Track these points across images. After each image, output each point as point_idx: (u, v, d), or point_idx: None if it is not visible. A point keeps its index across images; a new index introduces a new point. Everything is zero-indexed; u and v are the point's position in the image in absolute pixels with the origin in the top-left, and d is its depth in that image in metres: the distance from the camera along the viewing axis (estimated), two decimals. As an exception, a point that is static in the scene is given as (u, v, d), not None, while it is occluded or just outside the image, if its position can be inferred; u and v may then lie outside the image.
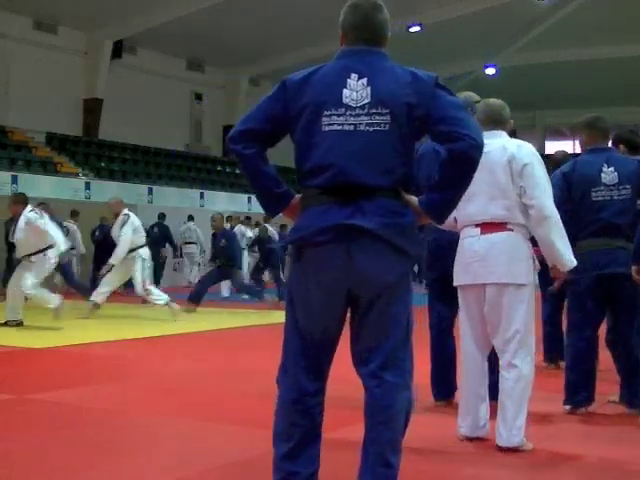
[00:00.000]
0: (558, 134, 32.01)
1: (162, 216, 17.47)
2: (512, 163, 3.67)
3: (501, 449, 3.67)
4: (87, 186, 18.41)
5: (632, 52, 25.05)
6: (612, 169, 4.43)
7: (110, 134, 21.82)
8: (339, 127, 2.65)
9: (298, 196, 2.78)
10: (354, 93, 2.67)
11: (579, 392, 4.46)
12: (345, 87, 2.67)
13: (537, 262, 3.79)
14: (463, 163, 2.64)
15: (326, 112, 2.67)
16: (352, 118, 2.65)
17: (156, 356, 7.25)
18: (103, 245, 15.94)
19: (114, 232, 10.60)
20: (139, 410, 4.78)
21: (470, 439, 3.86)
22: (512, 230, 3.68)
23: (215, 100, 25.92)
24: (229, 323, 10.14)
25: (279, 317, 11.00)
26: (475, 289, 3.76)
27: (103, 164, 20.64)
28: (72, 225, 15.74)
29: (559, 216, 3.70)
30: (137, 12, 20.64)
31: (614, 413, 4.57)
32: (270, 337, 9.13)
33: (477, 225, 3.73)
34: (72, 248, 15.08)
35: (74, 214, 15.93)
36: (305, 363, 2.76)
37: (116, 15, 20.62)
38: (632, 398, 4.45)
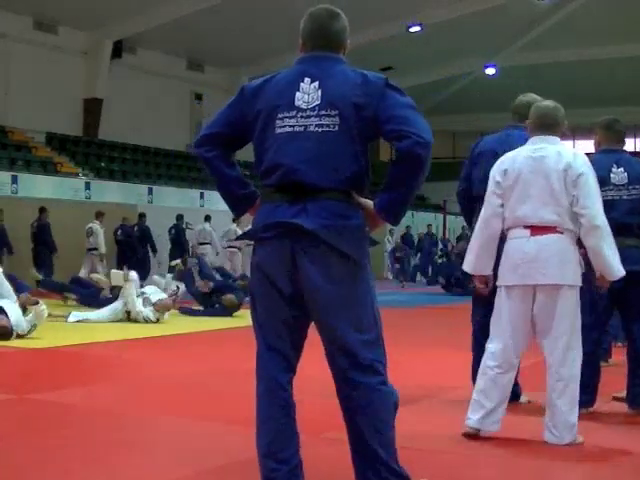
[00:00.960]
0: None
1: (142, 216, 17.62)
2: (568, 171, 3.73)
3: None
4: (87, 186, 18.41)
5: (632, 52, 25.05)
6: (622, 169, 4.51)
7: (110, 134, 21.82)
8: (290, 129, 2.74)
9: None
10: (306, 96, 2.74)
11: (582, 393, 4.42)
12: (298, 90, 2.76)
13: (583, 264, 3.90)
14: (410, 161, 2.65)
15: (279, 115, 2.76)
16: (302, 120, 2.73)
17: (156, 356, 7.25)
18: (124, 245, 16.23)
19: None
20: (139, 410, 4.77)
21: (477, 432, 3.89)
22: (562, 233, 3.77)
23: (215, 100, 25.85)
24: (229, 323, 10.13)
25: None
26: (523, 290, 3.82)
27: (103, 164, 20.64)
28: (96, 226, 15.95)
29: (609, 227, 3.80)
30: (137, 12, 20.64)
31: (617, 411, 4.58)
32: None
33: (527, 227, 3.79)
34: (94, 249, 15.83)
35: (99, 215, 16.10)
36: (273, 355, 2.83)
37: (116, 15, 20.62)
38: (635, 398, 4.49)
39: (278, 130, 2.75)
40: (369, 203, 2.76)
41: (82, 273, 14.70)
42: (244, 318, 10.87)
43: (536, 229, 3.78)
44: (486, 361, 3.93)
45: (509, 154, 3.91)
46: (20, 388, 5.40)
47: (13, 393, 5.18)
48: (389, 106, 2.68)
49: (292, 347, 2.86)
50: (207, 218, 18.47)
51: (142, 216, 17.43)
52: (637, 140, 32.45)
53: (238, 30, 22.37)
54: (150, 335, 8.59)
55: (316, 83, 2.75)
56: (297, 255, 2.69)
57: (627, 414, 4.59)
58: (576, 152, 3.88)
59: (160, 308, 9.77)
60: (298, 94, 2.75)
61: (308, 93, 2.75)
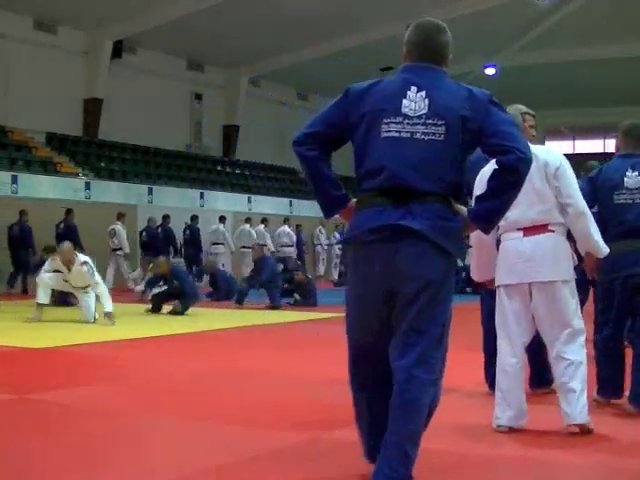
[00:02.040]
0: (558, 134, 32.02)
1: (166, 217, 17.87)
2: (546, 168, 3.95)
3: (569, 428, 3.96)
4: (87, 186, 18.40)
5: (632, 52, 25.03)
6: (636, 173, 4.57)
7: (110, 134, 21.80)
8: (396, 134, 2.86)
9: (354, 200, 3.00)
10: (412, 104, 2.88)
11: (608, 385, 4.68)
12: (404, 98, 2.89)
13: (575, 257, 4.13)
14: (512, 174, 2.86)
15: (385, 120, 2.88)
16: (409, 126, 2.86)
17: (156, 356, 7.25)
18: (149, 246, 16.69)
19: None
20: (139, 410, 4.78)
21: (510, 429, 4.04)
22: (553, 231, 3.99)
23: (215, 100, 25.91)
24: (229, 323, 10.14)
25: (278, 317, 11.03)
26: (521, 288, 4.02)
27: (103, 164, 20.63)
28: (118, 227, 16.68)
29: (622, 230, 4.21)
30: (137, 12, 20.62)
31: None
32: (270, 337, 9.18)
33: (519, 229, 4.00)
34: (119, 249, 16.62)
35: (120, 216, 16.78)
36: (367, 350, 2.97)
37: (116, 15, 20.60)
38: (636, 397, 4.53)
39: (383, 134, 2.87)
40: (463, 210, 2.95)
41: (109, 273, 15.90)
42: (244, 318, 10.89)
43: (528, 230, 3.97)
44: (503, 359, 4.07)
45: (486, 167, 4.00)
46: (20, 388, 5.40)
47: (13, 393, 5.19)
48: (494, 122, 2.88)
49: (383, 340, 2.95)
50: (222, 219, 19.09)
51: (166, 217, 17.75)
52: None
53: (238, 30, 22.36)
54: (150, 335, 8.60)
55: (423, 92, 2.89)
56: (400, 254, 2.83)
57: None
58: (549, 148, 4.12)
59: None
60: (405, 101, 2.88)
61: (415, 101, 2.88)
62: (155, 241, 16.96)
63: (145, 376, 6.18)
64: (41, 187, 17.24)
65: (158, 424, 4.42)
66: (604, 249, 4.12)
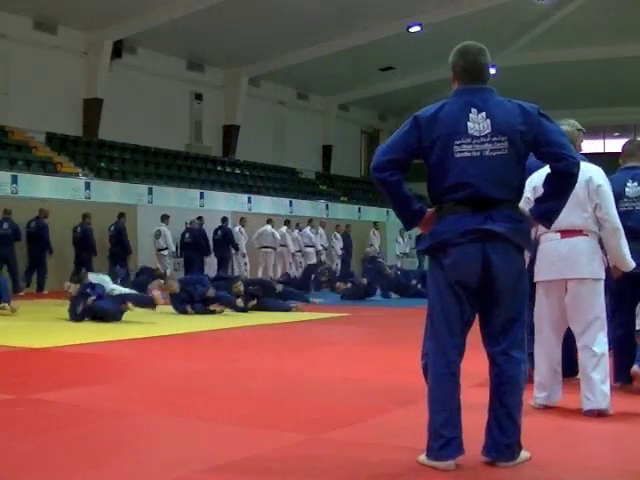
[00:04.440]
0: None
1: (165, 217, 18.08)
2: (589, 183, 4.43)
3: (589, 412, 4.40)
4: (87, 186, 18.39)
5: (632, 52, 25.05)
6: (636, 184, 5.22)
7: (110, 134, 21.80)
8: (468, 154, 3.33)
9: (430, 210, 3.45)
10: (477, 125, 3.34)
11: (624, 372, 5.14)
12: (468, 120, 3.34)
13: (606, 260, 4.66)
14: (566, 177, 3.37)
15: (456, 142, 3.33)
16: (478, 145, 3.33)
17: (156, 356, 7.25)
18: (192, 247, 17.60)
19: None
20: (139, 410, 4.78)
21: (545, 407, 4.60)
22: (587, 236, 4.49)
23: (215, 100, 25.92)
24: (229, 323, 10.14)
25: (278, 318, 11.01)
26: (558, 283, 4.53)
27: (103, 164, 20.62)
28: (163, 228, 17.83)
29: (625, 234, 4.61)
30: (137, 12, 20.62)
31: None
32: (270, 337, 9.18)
33: (557, 231, 4.44)
34: (165, 248, 17.68)
35: (164, 218, 17.88)
36: (452, 341, 3.37)
37: (116, 15, 20.60)
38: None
39: (457, 155, 3.33)
40: (526, 211, 3.48)
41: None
42: (244, 318, 10.89)
43: (566, 233, 4.47)
44: (542, 347, 4.62)
45: (535, 174, 4.38)
46: (20, 388, 5.41)
47: (13, 393, 5.19)
48: (546, 132, 3.35)
49: (464, 334, 3.41)
50: (241, 221, 19.79)
51: (200, 219, 18.66)
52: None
53: (238, 30, 22.36)
54: (150, 335, 8.60)
55: (483, 113, 3.34)
56: (488, 253, 3.31)
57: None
58: (593, 166, 4.58)
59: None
60: (469, 124, 3.34)
61: (478, 122, 3.34)
62: (197, 242, 17.74)
63: (145, 376, 6.18)
64: (41, 187, 17.23)
65: (158, 424, 4.42)
66: (630, 263, 4.64)
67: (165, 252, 17.83)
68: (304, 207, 23.92)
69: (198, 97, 25.67)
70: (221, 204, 21.23)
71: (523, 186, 3.47)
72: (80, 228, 16.52)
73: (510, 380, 3.38)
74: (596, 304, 4.47)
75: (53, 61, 20.88)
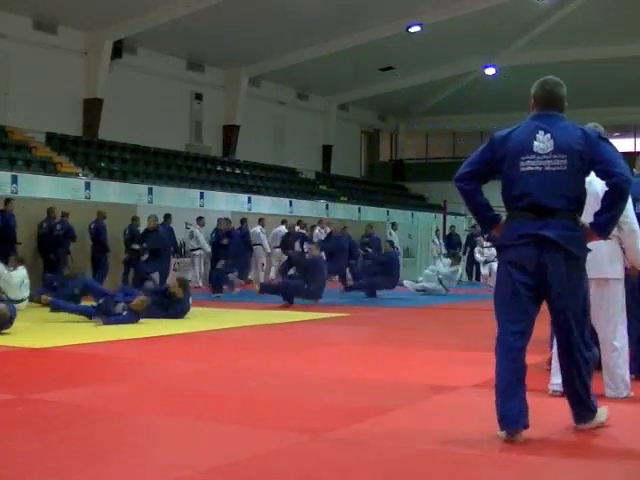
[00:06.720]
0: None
1: (199, 219, 18.62)
2: None
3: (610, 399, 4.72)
4: (87, 186, 18.37)
5: (632, 52, 25.06)
6: None
7: (110, 134, 21.79)
8: (532, 168, 3.88)
9: (503, 218, 4.00)
10: (541, 144, 3.88)
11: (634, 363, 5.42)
12: (535, 140, 3.90)
13: (626, 262, 5.00)
14: (618, 192, 3.85)
15: (522, 158, 3.90)
16: (540, 161, 3.87)
17: (156, 356, 7.25)
18: (218, 247, 17.39)
19: None
20: (139, 410, 4.78)
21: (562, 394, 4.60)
22: (610, 238, 4.61)
23: (215, 100, 25.92)
24: (229, 323, 10.14)
25: (278, 317, 10.99)
26: None
27: (103, 164, 20.60)
28: (196, 230, 18.44)
29: None
30: (137, 12, 20.63)
31: None
32: (270, 337, 9.17)
33: None
34: (197, 249, 18.33)
35: (199, 219, 18.50)
36: (515, 328, 3.84)
37: (116, 15, 20.61)
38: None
39: (522, 169, 3.89)
40: (585, 222, 3.91)
41: (190, 274, 17.77)
42: (244, 318, 10.89)
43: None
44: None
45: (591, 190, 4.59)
46: (20, 388, 5.41)
47: (13, 393, 5.19)
48: (601, 152, 3.86)
49: (528, 322, 3.87)
50: (259, 221, 19.90)
51: (244, 221, 18.99)
52: (637, 140, 32.48)
53: (238, 30, 22.37)
54: (150, 335, 8.60)
55: (548, 135, 3.88)
56: (542, 256, 3.80)
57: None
58: None
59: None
60: (535, 143, 3.89)
61: (543, 142, 3.88)
62: (233, 242, 17.53)
63: (145, 376, 6.18)
64: (41, 187, 17.20)
65: (158, 424, 4.42)
66: None
67: (197, 252, 18.44)
68: (304, 207, 23.89)
69: (198, 97, 25.67)
70: (221, 204, 21.20)
71: (582, 199, 3.91)
72: (94, 225, 16.37)
73: (584, 363, 3.91)
74: (617, 302, 4.89)
75: (53, 61, 20.88)
